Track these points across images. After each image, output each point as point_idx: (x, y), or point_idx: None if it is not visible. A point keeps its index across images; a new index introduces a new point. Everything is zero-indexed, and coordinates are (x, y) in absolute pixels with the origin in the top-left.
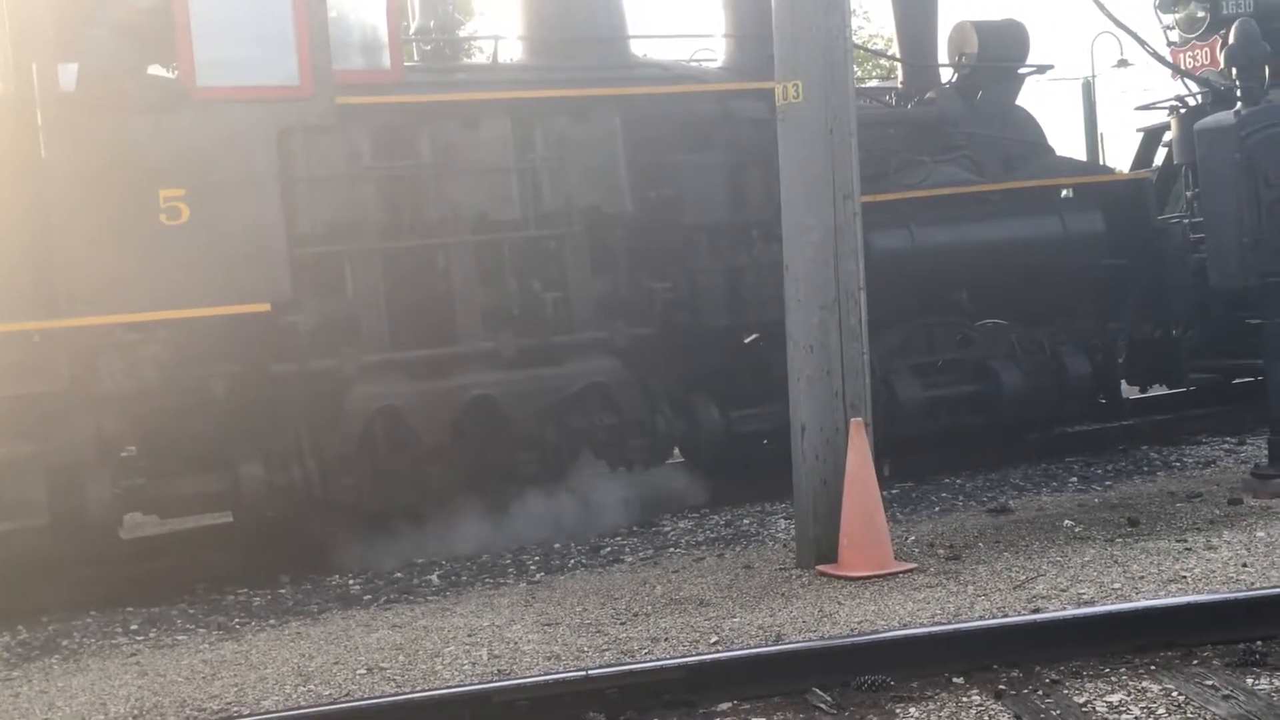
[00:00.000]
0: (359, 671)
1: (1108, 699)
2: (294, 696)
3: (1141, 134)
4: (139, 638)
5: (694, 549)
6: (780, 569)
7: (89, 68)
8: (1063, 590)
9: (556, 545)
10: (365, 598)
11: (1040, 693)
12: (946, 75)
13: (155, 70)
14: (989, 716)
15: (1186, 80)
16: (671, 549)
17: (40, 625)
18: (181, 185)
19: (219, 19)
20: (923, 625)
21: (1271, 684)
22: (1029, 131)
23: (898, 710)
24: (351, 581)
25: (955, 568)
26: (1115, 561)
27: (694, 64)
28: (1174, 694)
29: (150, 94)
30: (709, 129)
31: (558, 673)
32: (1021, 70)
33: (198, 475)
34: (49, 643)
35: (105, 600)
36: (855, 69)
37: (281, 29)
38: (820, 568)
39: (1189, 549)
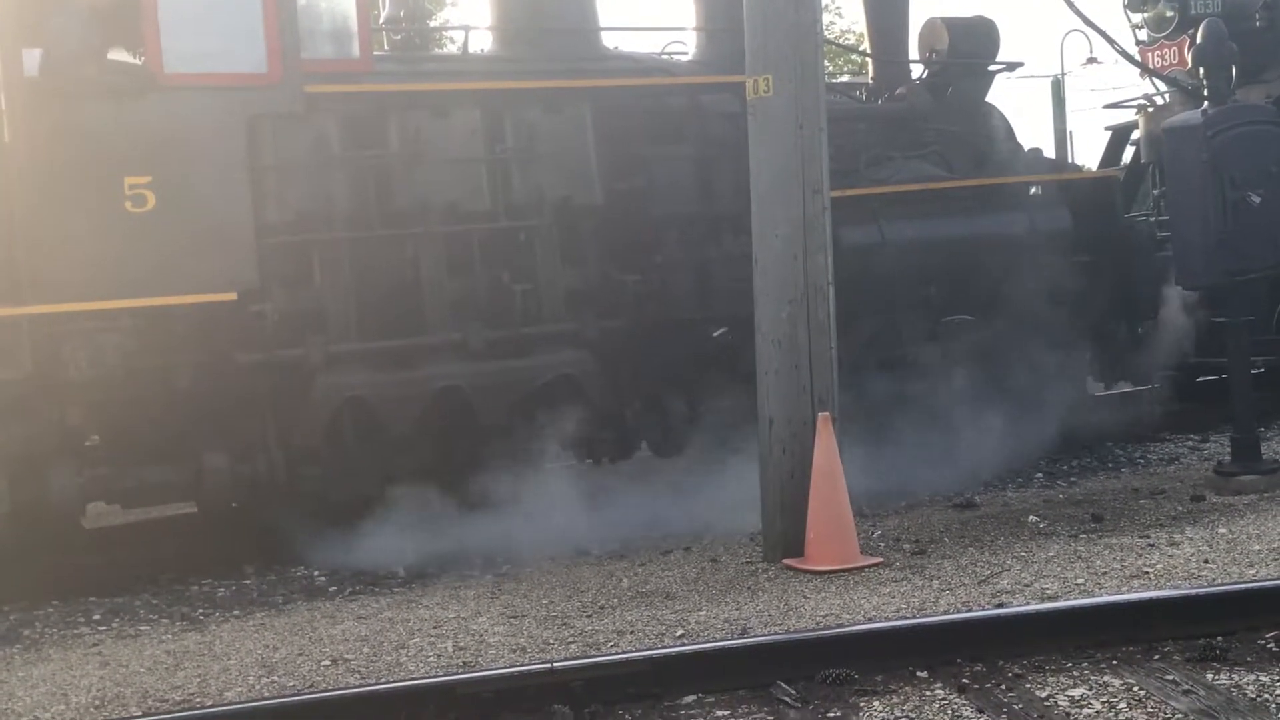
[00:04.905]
0: (323, 663)
1: (1070, 693)
2: (257, 688)
3: (1110, 132)
4: (101, 628)
5: (661, 542)
6: (746, 562)
7: (54, 52)
8: (1027, 585)
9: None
10: (330, 589)
11: (1003, 687)
12: (917, 71)
13: (121, 56)
14: (952, 710)
15: (1155, 79)
16: (638, 542)
17: (1, 615)
18: (147, 172)
19: (187, 5)
20: (887, 619)
21: (1231, 679)
22: (998, 128)
23: (861, 704)
24: (316, 573)
25: (921, 562)
26: (1079, 557)
27: (665, 57)
28: (1135, 689)
29: (116, 80)
30: (680, 122)
31: (523, 665)
32: (992, 67)
33: (162, 465)
34: (10, 632)
35: (67, 590)
36: (826, 64)
37: (250, 16)
38: (786, 561)
39: (1152, 545)
